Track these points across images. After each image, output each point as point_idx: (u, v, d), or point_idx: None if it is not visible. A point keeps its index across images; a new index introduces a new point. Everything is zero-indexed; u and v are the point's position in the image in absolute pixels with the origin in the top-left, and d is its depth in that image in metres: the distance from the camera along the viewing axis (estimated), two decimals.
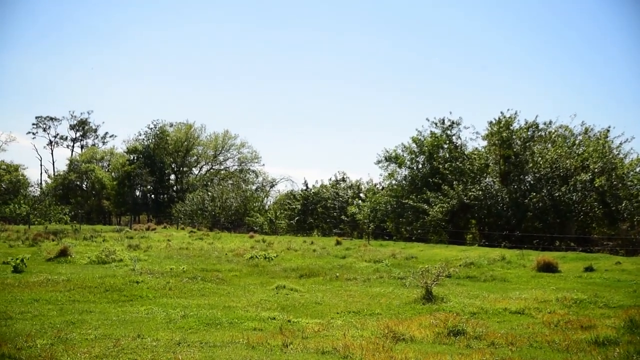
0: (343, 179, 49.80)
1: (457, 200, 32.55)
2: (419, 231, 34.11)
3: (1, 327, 8.53)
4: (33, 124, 76.83)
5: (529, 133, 33.86)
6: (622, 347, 7.31)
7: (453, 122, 37.05)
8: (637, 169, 32.70)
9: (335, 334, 8.28)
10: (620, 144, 33.42)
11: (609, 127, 33.73)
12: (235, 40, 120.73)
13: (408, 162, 38.42)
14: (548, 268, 17.53)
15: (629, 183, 31.57)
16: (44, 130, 77.31)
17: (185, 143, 66.92)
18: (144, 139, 65.99)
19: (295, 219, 47.11)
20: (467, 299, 11.67)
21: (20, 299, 10.99)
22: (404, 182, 38.47)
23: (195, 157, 69.99)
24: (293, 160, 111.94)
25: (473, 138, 57.41)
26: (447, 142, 37.18)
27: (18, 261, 15.69)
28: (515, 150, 33.15)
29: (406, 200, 35.21)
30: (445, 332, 8.15)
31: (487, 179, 34.34)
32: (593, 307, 11.00)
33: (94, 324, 8.87)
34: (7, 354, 6.73)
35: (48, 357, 6.69)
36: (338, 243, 29.11)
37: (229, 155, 70.14)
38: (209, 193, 52.95)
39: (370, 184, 46.68)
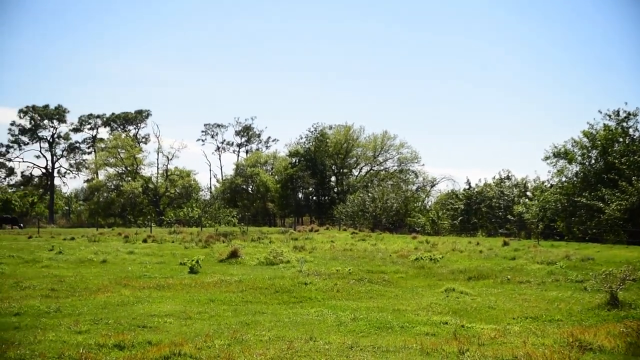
0: (508, 177, 48.37)
1: (638, 197, 30.26)
2: (594, 231, 32.29)
3: (182, 326, 9.14)
4: (202, 132, 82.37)
5: None
6: None
7: (629, 114, 34.69)
8: None
9: (513, 342, 7.99)
10: None
11: None
12: (392, 41, 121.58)
13: (579, 158, 36.57)
14: None
15: None
16: (212, 137, 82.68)
17: (345, 145, 68.60)
18: (304, 142, 68.64)
19: (459, 219, 46.64)
20: None
21: (197, 299, 11.79)
22: (575, 178, 36.67)
23: (355, 159, 71.37)
24: (454, 159, 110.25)
25: None
26: (623, 134, 34.78)
27: (194, 262, 16.94)
28: None
29: (579, 198, 33.50)
30: (639, 343, 7.61)
31: None
32: None
33: (267, 325, 9.22)
34: (188, 353, 7.09)
35: (226, 358, 6.97)
36: (505, 244, 28.43)
37: (388, 155, 70.62)
38: (370, 194, 54.02)
39: (538, 182, 44.94)
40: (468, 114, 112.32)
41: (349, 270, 16.60)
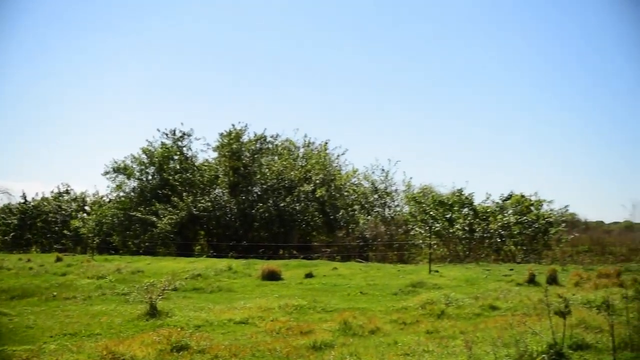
0: (67, 192, 46.16)
1: (187, 212, 32.85)
2: (147, 244, 33.49)
3: None
4: None
5: (257, 145, 35.83)
6: (337, 350, 8.15)
7: (184, 134, 37.24)
8: (353, 180, 37.22)
9: None
10: (338, 156, 37.57)
11: (327, 140, 37.62)
12: None
13: (137, 174, 37.40)
14: (272, 276, 18.61)
15: (345, 193, 35.73)
16: None
17: None
18: None
19: (11, 234, 42.41)
20: (192, 311, 11.71)
21: None
22: (132, 193, 37.34)
23: None
24: (11, 172, 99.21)
25: (204, 149, 58.34)
26: (178, 153, 37.29)
27: None
28: (244, 162, 34.75)
29: (134, 213, 34.30)
30: (169, 349, 8.10)
31: (216, 190, 35.38)
32: (312, 312, 11.95)
33: None
34: None
35: None
36: (58, 259, 26.89)
37: None
38: None
39: (97, 196, 44.21)
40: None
41: None
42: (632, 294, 9.86)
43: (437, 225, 30.16)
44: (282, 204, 32.54)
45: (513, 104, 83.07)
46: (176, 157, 37.26)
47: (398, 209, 36.39)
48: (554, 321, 7.31)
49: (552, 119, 78.10)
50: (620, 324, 7.96)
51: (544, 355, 6.37)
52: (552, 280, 16.29)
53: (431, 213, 30.93)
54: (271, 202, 32.93)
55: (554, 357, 6.45)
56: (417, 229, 31.44)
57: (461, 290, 15.26)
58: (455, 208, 30.58)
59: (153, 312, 11.02)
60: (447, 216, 30.35)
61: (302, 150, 37.83)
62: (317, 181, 34.02)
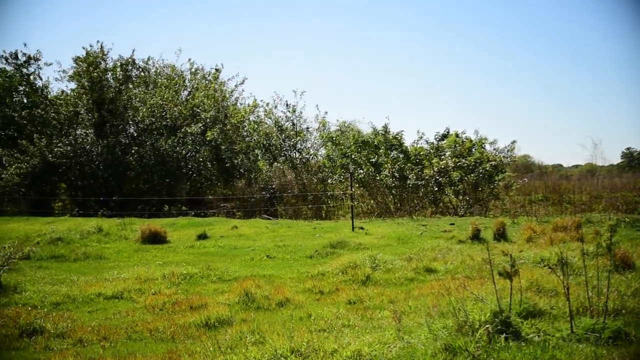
0: None
1: (40, 158, 30.95)
2: None
3: None
4: None
5: (129, 73, 34.09)
6: (235, 328, 7.84)
7: (30, 57, 35.04)
8: (251, 117, 36.31)
9: None
10: (236, 86, 36.56)
11: (219, 65, 36.43)
12: None
13: None
14: (155, 239, 18.29)
15: (244, 133, 34.70)
16: None
17: None
18: None
19: None
20: (50, 285, 11.25)
21: None
22: None
23: None
24: None
25: (59, 78, 55.33)
26: (24, 83, 35.12)
27: None
28: (111, 95, 32.84)
29: None
30: (17, 333, 7.73)
31: (78, 131, 33.50)
32: (206, 282, 11.77)
33: None
34: None
35: None
36: None
37: None
38: None
39: None
40: None
41: None
42: (593, 249, 9.94)
43: (361, 171, 29.81)
44: (163, 148, 31.30)
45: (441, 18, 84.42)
46: (21, 89, 35.33)
47: (312, 152, 36.10)
48: (500, 284, 7.21)
49: (491, 44, 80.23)
50: (579, 285, 8.04)
51: (487, 326, 6.20)
52: (500, 235, 16.60)
53: (352, 156, 30.40)
54: (149, 145, 31.65)
55: (500, 327, 6.29)
56: (335, 177, 31.11)
57: (391, 250, 15.38)
58: (381, 150, 30.14)
59: None
60: (373, 160, 29.96)
61: (188, 79, 36.51)
62: (208, 119, 32.94)
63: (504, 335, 6.11)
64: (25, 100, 34.89)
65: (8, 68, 34.95)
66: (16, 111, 33.52)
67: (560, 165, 47.62)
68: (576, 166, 47.34)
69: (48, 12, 79.67)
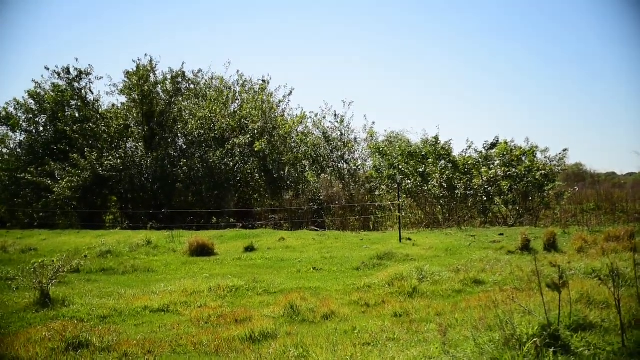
0: None
1: (91, 172, 31.75)
2: (42, 214, 32.37)
3: None
4: None
5: (178, 86, 34.76)
6: (279, 341, 7.82)
7: (81, 72, 35.91)
8: (300, 128, 36.54)
9: None
10: (283, 97, 36.84)
11: (267, 77, 36.76)
12: None
13: (24, 124, 36.09)
14: (203, 251, 18.41)
15: (292, 144, 34.94)
16: None
17: None
18: None
19: None
20: (97, 298, 11.34)
21: None
22: (19, 150, 36.01)
23: None
24: None
25: (110, 92, 56.76)
26: (76, 97, 35.97)
27: None
28: (160, 107, 33.59)
29: (23, 174, 32.91)
30: (63, 347, 7.71)
31: (128, 144, 34.34)
32: (251, 295, 11.71)
33: None
34: None
35: None
36: None
37: None
38: None
39: None
40: None
41: None
42: None
43: (409, 182, 29.77)
44: (211, 160, 31.76)
45: (493, 30, 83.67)
46: (73, 103, 35.99)
47: (359, 162, 36.05)
48: (549, 297, 7.08)
49: (545, 55, 79.05)
50: (632, 297, 7.76)
51: (535, 339, 6.13)
52: (551, 246, 16.24)
53: (400, 167, 30.34)
54: (198, 157, 32.15)
55: (548, 340, 6.21)
56: (383, 187, 31.03)
57: (439, 261, 15.16)
58: (429, 160, 29.89)
59: (44, 301, 10.53)
60: (420, 171, 29.80)
61: (238, 90, 36.97)
62: (256, 130, 33.31)
63: (552, 349, 5.97)
64: (77, 115, 35.57)
65: (60, 83, 35.74)
66: (68, 125, 34.25)
67: (614, 174, 46.26)
68: (630, 174, 45.83)
69: (97, 27, 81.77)
